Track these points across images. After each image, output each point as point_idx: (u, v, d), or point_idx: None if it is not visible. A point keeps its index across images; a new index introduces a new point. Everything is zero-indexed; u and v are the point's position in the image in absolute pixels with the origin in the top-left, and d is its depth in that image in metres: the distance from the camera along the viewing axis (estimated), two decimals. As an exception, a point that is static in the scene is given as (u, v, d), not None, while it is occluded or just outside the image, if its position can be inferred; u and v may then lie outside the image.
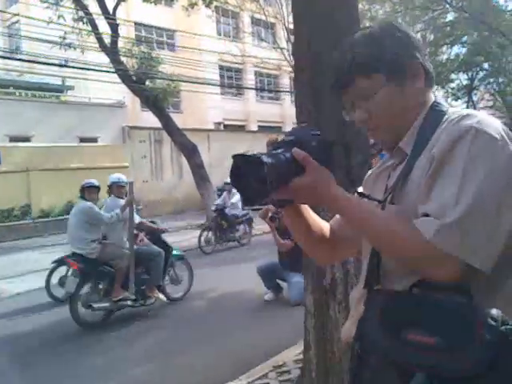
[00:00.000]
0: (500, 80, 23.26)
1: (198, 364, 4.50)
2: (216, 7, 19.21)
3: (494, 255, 0.98)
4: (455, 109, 1.16)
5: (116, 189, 6.40)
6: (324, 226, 1.39)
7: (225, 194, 11.71)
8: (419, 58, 1.18)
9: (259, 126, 27.85)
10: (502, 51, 18.81)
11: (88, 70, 14.92)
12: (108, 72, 14.87)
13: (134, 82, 14.82)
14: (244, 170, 1.06)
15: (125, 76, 14.56)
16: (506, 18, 18.27)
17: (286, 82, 28.17)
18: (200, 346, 5.00)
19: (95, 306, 5.76)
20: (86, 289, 5.84)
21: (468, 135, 1.01)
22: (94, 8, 14.18)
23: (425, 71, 1.19)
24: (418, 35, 21.75)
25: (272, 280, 6.49)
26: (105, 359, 4.83)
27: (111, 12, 14.25)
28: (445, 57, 22.97)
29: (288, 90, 26.98)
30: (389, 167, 1.26)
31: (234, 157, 1.08)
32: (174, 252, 6.80)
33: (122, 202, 6.19)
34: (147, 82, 15.18)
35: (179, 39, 23.82)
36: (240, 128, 26.65)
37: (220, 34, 27.33)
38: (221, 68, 26.07)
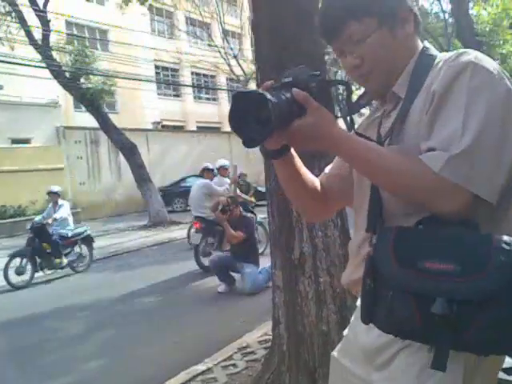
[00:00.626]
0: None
1: (155, 355, 4.43)
2: (150, 5, 18.96)
3: (499, 186, 1.02)
4: (444, 53, 1.20)
5: (222, 171, 8.55)
6: (315, 180, 1.40)
7: (50, 206, 9.04)
8: (408, 3, 1.19)
9: (198, 127, 27.69)
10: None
11: (17, 64, 14.21)
12: (39, 68, 14.26)
13: (68, 79, 14.36)
14: (245, 108, 1.01)
15: (58, 72, 14.06)
16: (430, 20, 19.30)
17: (223, 81, 28.20)
18: (154, 338, 4.92)
19: (213, 253, 7.33)
20: (203, 242, 7.70)
21: (467, 70, 1.03)
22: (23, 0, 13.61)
23: (414, 16, 1.20)
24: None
25: (225, 273, 6.50)
26: (55, 357, 4.64)
27: (42, 7, 13.77)
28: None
29: (225, 88, 27.07)
30: (378, 117, 1.27)
31: (235, 95, 1.03)
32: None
33: (227, 180, 8.44)
34: (82, 80, 14.73)
35: (113, 36, 23.24)
36: (178, 128, 26.38)
37: (155, 32, 26.94)
38: (157, 67, 25.72)
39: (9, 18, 14.07)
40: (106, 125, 14.79)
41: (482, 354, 1.00)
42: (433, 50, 1.21)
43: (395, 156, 1.07)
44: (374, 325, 1.11)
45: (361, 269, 1.17)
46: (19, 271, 7.88)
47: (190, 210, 18.04)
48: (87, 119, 17.43)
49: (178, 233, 13.29)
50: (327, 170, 1.46)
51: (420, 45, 1.22)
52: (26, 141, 17.51)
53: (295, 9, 2.87)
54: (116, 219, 17.52)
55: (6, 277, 7.62)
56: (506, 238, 0.97)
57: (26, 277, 7.93)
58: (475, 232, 1.01)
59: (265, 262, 6.62)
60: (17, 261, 7.97)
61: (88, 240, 9.16)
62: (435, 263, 0.98)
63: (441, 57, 1.16)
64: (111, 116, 15.49)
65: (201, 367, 3.61)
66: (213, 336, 4.70)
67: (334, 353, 1.41)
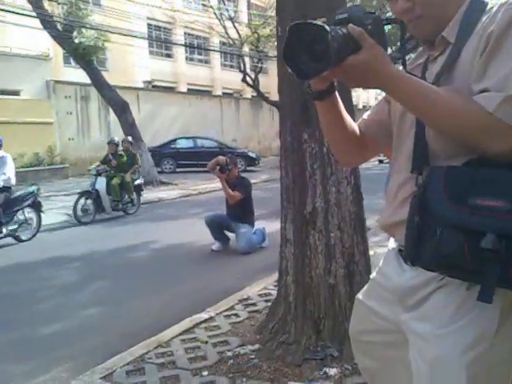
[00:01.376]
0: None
1: (153, 305, 4.48)
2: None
3: None
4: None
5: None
6: (354, 125, 1.43)
7: None
8: None
9: (189, 89, 27.34)
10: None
11: (6, 11, 13.77)
12: (30, 17, 13.84)
13: (60, 31, 14.00)
14: (301, 41, 1.00)
15: (50, 24, 13.70)
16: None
17: (216, 44, 27.73)
18: (152, 291, 4.97)
19: None
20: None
21: None
22: None
23: None
24: None
25: (220, 231, 6.58)
26: (44, 306, 4.62)
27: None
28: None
29: (219, 50, 26.63)
30: (421, 63, 1.27)
31: (292, 26, 1.01)
32: None
33: None
34: (75, 33, 14.38)
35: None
36: (169, 89, 26.03)
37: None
38: (149, 26, 25.16)
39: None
40: (97, 81, 14.54)
41: None
42: None
43: (450, 95, 1.08)
44: (418, 264, 1.15)
45: (401, 211, 1.22)
46: None
47: (179, 172, 18.01)
48: (77, 75, 17.10)
49: (168, 193, 13.35)
50: (365, 116, 1.49)
51: None
52: (15, 92, 17.14)
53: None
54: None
55: None
56: None
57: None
58: None
59: (259, 225, 6.73)
60: None
61: (36, 205, 7.84)
62: (486, 200, 1.03)
63: (493, 3, 1.18)
64: (102, 73, 15.23)
65: (204, 315, 3.70)
66: (210, 289, 4.77)
67: (359, 295, 1.47)
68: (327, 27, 0.96)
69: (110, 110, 15.90)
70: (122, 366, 3.03)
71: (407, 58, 1.27)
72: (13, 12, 13.28)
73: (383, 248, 3.10)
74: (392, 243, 1.37)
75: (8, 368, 3.34)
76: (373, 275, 1.45)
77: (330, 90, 1.23)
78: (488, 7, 1.16)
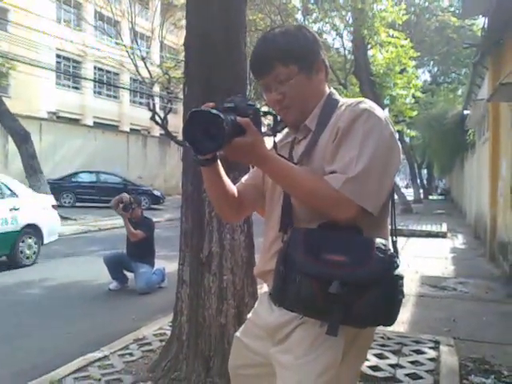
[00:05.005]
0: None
1: (47, 344, 4.42)
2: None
3: (381, 202, 1.38)
4: (345, 98, 1.58)
5: None
6: (234, 187, 1.70)
7: None
8: (322, 56, 1.53)
9: (95, 122, 26.84)
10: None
11: None
12: None
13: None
14: (198, 124, 1.23)
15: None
16: (332, 54, 20.70)
17: (126, 80, 27.68)
18: (43, 330, 4.86)
19: None
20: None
21: (364, 115, 1.37)
22: None
23: (325, 67, 1.55)
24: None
25: (118, 270, 6.58)
26: None
27: None
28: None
29: (128, 88, 26.58)
30: (289, 142, 1.57)
31: (192, 113, 1.23)
32: None
33: None
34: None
35: (13, 17, 21.93)
36: (74, 121, 25.39)
37: (60, 21, 25.82)
38: (58, 56, 24.64)
39: None
40: (-2, 108, 13.97)
41: (362, 325, 1.39)
42: (336, 95, 1.55)
43: (307, 174, 1.39)
44: (282, 305, 1.43)
45: (272, 261, 1.50)
46: None
47: (79, 206, 17.44)
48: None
49: (66, 228, 12.83)
50: (243, 179, 1.78)
51: (327, 90, 1.57)
52: None
53: (224, 35, 3.22)
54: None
55: None
56: (382, 241, 1.37)
57: None
58: (361, 234, 1.37)
59: (159, 264, 6.83)
60: None
61: None
62: (333, 255, 1.34)
63: (343, 101, 1.50)
64: (3, 100, 14.64)
65: (98, 354, 3.74)
66: (105, 329, 4.78)
67: (237, 333, 1.72)
68: (222, 115, 1.21)
69: (10, 139, 15.23)
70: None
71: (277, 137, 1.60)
72: None
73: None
74: (265, 287, 1.66)
75: None
76: (249, 315, 1.71)
77: (214, 159, 1.49)
78: (339, 104, 1.50)
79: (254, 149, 1.33)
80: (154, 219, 7.19)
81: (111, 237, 11.12)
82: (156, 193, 20.13)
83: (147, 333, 4.28)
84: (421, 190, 29.28)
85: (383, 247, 1.35)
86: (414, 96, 15.17)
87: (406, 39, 13.66)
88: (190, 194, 3.32)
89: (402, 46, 13.40)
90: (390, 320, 1.38)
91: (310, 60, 1.51)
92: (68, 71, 26.45)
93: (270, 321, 1.53)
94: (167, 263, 7.00)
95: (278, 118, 1.55)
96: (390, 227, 1.53)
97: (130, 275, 6.66)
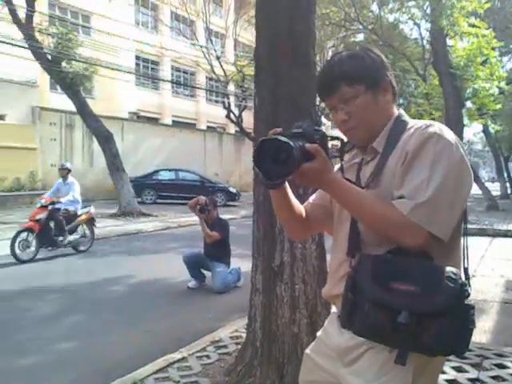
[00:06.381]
0: (400, 101, 25.32)
1: (128, 342, 4.63)
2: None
3: (451, 228, 1.35)
4: (415, 120, 1.56)
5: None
6: (301, 207, 1.73)
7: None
8: (389, 77, 1.53)
9: (174, 121, 27.76)
10: (404, 74, 20.56)
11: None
12: (20, 47, 14.17)
13: (50, 61, 14.34)
14: (267, 150, 1.27)
15: (40, 54, 14.04)
16: (410, 44, 20.05)
17: (202, 79, 28.35)
18: (126, 326, 5.11)
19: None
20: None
21: (433, 139, 1.36)
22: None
23: (392, 88, 1.54)
24: (330, 51, 23.05)
25: (197, 269, 6.80)
26: (23, 336, 4.77)
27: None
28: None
29: (204, 87, 27.21)
30: (356, 163, 1.57)
31: (263, 140, 1.28)
32: None
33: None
34: (63, 64, 14.73)
35: (95, 23, 23.11)
36: (154, 120, 26.40)
37: (138, 24, 26.89)
38: (137, 58, 25.68)
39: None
40: (83, 110, 14.82)
41: (432, 354, 1.37)
42: (405, 117, 1.53)
43: (374, 200, 1.39)
44: (350, 330, 1.44)
45: (340, 285, 1.51)
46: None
47: (160, 203, 18.11)
48: (62, 101, 17.37)
49: (147, 225, 13.49)
50: (311, 199, 1.79)
51: (396, 111, 1.55)
52: (1, 117, 17.33)
53: (292, 45, 3.23)
54: (84, 204, 17.47)
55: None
56: (453, 269, 1.33)
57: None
58: (431, 262, 1.35)
59: (234, 263, 6.97)
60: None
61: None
62: (402, 285, 1.33)
63: (412, 124, 1.48)
64: (87, 101, 15.51)
65: (177, 355, 3.90)
66: (183, 329, 4.95)
67: (307, 350, 1.75)
68: (291, 143, 1.25)
69: (94, 139, 16.14)
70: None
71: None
72: (6, 43, 13.54)
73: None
74: (334, 308, 1.67)
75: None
76: (318, 333, 1.73)
77: (282, 182, 1.51)
78: (408, 126, 1.48)
79: (322, 174, 1.35)
80: (230, 216, 7.38)
81: (190, 234, 11.47)
82: (232, 190, 20.49)
83: (223, 335, 4.40)
84: (507, 185, 27.60)
85: (454, 276, 1.32)
86: (498, 87, 14.31)
87: (487, 28, 12.91)
88: (261, 203, 3.36)
89: (483, 36, 12.68)
90: (461, 350, 1.36)
91: (376, 80, 1.50)
92: (147, 72, 27.53)
93: (339, 342, 1.54)
94: (242, 262, 7.09)
95: (345, 140, 1.55)
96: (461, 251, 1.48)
97: (207, 274, 6.86)
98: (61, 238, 8.79)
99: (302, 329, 3.21)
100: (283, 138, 1.26)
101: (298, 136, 1.34)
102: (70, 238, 9.02)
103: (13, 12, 13.47)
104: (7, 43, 13.70)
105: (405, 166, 1.38)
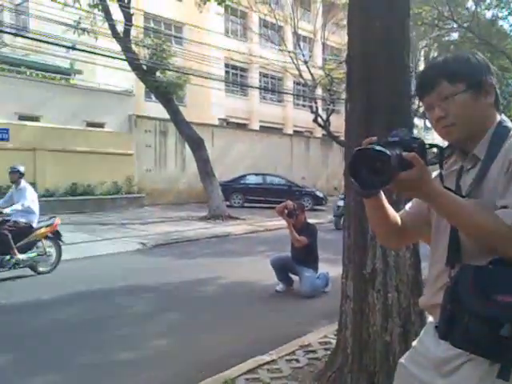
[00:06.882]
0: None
1: (219, 341, 4.78)
2: (226, 5, 19.57)
3: None
4: None
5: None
6: (396, 215, 1.68)
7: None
8: (493, 81, 1.48)
9: (261, 126, 28.19)
10: (503, 73, 19.37)
11: (98, 54, 15.10)
12: (119, 59, 15.09)
13: (145, 71, 15.14)
14: (362, 160, 1.25)
15: (136, 65, 14.87)
16: (509, 41, 18.89)
17: (289, 84, 28.54)
18: (217, 327, 5.30)
19: None
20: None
21: None
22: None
23: (495, 92, 1.49)
24: (422, 51, 22.27)
25: (284, 272, 6.87)
26: (122, 332, 5.09)
27: (126, 1, 14.57)
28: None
29: (291, 92, 27.37)
30: (455, 170, 1.53)
31: (358, 151, 1.26)
32: None
33: None
34: (158, 73, 15.49)
35: (187, 33, 24.09)
36: (242, 126, 26.98)
37: (228, 33, 27.63)
38: (226, 66, 26.36)
39: (95, 11, 14.96)
40: (176, 118, 15.46)
41: None
42: (508, 123, 1.47)
43: (476, 209, 1.34)
44: (449, 341, 1.40)
45: (438, 295, 1.47)
46: None
47: (247, 207, 18.49)
48: (156, 109, 18.25)
49: (235, 228, 13.81)
50: (407, 207, 1.75)
51: (498, 117, 1.49)
52: (100, 125, 18.58)
53: (387, 52, 3.18)
54: (177, 207, 18.36)
55: None
56: None
57: None
58: None
59: (321, 268, 6.95)
60: None
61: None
62: (504, 296, 1.29)
63: None
64: (180, 108, 16.16)
65: (267, 357, 3.98)
66: (272, 331, 5.03)
67: (402, 360, 1.71)
68: (388, 152, 1.22)
69: (186, 145, 16.81)
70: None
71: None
72: (106, 56, 14.48)
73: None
74: (431, 318, 1.63)
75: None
76: (414, 343, 1.70)
77: (377, 191, 1.49)
78: (511, 133, 1.44)
79: (421, 184, 1.31)
80: (317, 220, 7.36)
81: (276, 238, 11.56)
82: (318, 194, 20.38)
83: (313, 340, 4.42)
84: None
85: None
86: None
87: None
88: (352, 209, 3.34)
89: None
90: None
91: (479, 80, 1.46)
92: (236, 80, 28.20)
93: (436, 353, 1.50)
94: (330, 267, 7.07)
95: (444, 146, 1.52)
96: None
97: (295, 278, 6.89)
98: (7, 257, 7.02)
99: (394, 338, 3.15)
100: (378, 147, 1.24)
101: (395, 144, 1.31)
102: (22, 256, 7.16)
103: (112, 27, 14.37)
104: (107, 56, 14.62)
105: (508, 174, 1.33)
